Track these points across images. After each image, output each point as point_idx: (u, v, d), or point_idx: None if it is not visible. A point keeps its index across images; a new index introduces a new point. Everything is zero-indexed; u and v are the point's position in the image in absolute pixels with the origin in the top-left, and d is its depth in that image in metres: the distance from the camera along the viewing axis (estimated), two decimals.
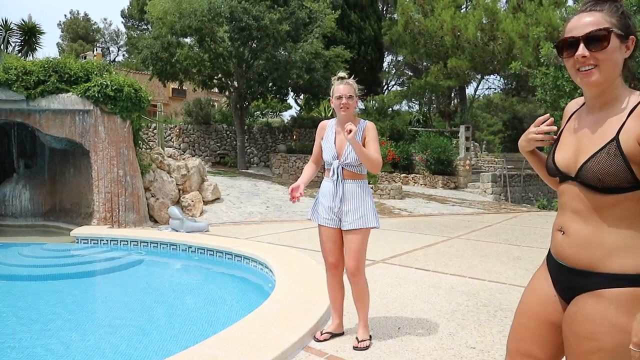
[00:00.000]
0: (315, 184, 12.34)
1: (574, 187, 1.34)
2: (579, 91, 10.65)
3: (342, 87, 2.95)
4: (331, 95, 3.02)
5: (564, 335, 1.37)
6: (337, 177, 2.97)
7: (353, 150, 2.90)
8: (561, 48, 1.35)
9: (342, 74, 3.04)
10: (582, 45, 1.29)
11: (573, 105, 1.49)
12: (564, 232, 1.38)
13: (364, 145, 2.93)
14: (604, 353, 1.23)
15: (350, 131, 2.68)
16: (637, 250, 1.23)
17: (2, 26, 14.70)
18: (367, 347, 2.89)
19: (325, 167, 3.11)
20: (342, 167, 2.97)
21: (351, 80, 3.01)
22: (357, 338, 2.94)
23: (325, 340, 3.02)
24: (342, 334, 3.12)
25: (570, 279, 1.36)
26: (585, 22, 1.30)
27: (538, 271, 1.55)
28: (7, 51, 10.56)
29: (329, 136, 3.10)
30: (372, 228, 2.99)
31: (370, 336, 3.01)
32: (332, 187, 2.98)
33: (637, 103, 1.25)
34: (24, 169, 9.07)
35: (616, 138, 1.24)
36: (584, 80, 1.31)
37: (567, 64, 1.36)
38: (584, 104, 1.44)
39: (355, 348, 2.88)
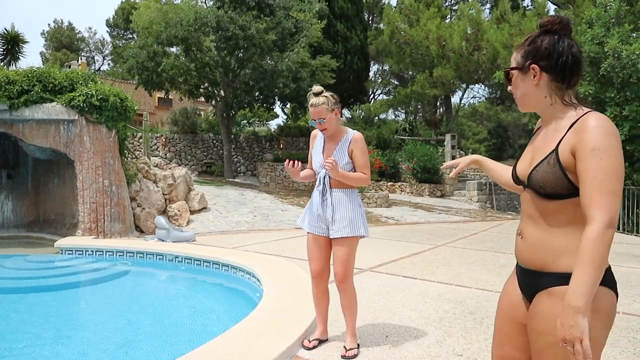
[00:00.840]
0: (307, 194, 12.33)
1: (527, 194, 1.50)
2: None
3: (312, 110, 2.93)
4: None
5: (528, 333, 1.48)
6: (324, 186, 2.99)
7: (340, 162, 2.93)
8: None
9: (316, 88, 2.98)
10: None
11: (540, 122, 1.64)
12: (522, 236, 1.52)
13: (351, 158, 2.96)
14: (556, 347, 1.32)
15: (331, 163, 2.74)
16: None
17: None
18: (355, 356, 2.90)
19: (316, 176, 3.13)
20: (329, 176, 2.99)
21: (320, 99, 2.93)
22: (345, 347, 2.95)
23: (314, 347, 3.03)
24: (326, 340, 3.15)
25: (529, 280, 1.50)
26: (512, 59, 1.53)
27: (510, 276, 1.67)
28: None
29: (317, 146, 3.12)
30: (360, 237, 3.00)
31: (358, 344, 3.02)
32: (319, 196, 3.00)
33: (578, 118, 1.38)
34: (6, 180, 8.93)
35: (556, 150, 1.39)
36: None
37: None
38: None
39: (343, 357, 2.88)
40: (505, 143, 38.99)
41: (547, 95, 1.45)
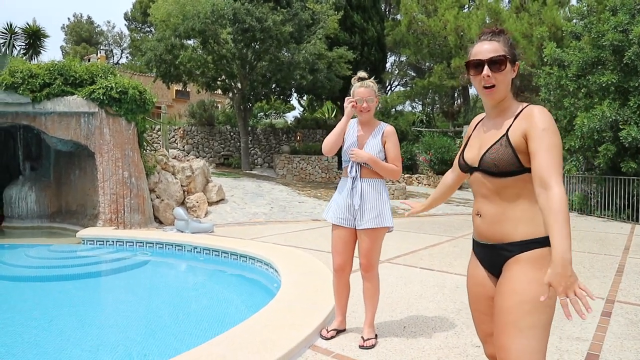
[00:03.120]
0: (324, 186, 12.31)
1: (478, 176, 1.70)
2: (582, 91, 10.63)
3: (363, 90, 2.95)
4: (352, 96, 3.00)
5: (494, 303, 1.64)
6: (356, 173, 2.97)
7: (372, 149, 2.93)
8: (469, 67, 1.71)
9: (362, 73, 3.02)
10: (486, 67, 1.65)
11: (477, 119, 1.87)
12: (480, 215, 1.70)
13: (384, 149, 2.97)
14: (524, 304, 1.53)
15: (355, 154, 2.88)
16: (534, 219, 1.57)
17: (6, 30, 14.79)
18: (373, 346, 2.91)
19: (343, 165, 3.09)
20: (361, 165, 2.98)
21: (371, 82, 3.00)
22: (362, 337, 2.96)
23: (332, 337, 3.04)
24: (344, 330, 3.16)
25: (493, 255, 1.69)
26: (487, 49, 1.66)
27: (470, 261, 1.85)
28: (12, 55, 10.62)
29: (350, 132, 3.09)
30: (388, 228, 2.99)
31: (376, 335, 3.03)
32: (350, 185, 2.97)
33: (522, 109, 1.64)
34: (29, 171, 9.12)
35: (506, 134, 1.62)
36: (488, 95, 1.68)
37: (474, 81, 1.71)
38: (483, 118, 1.82)
39: (361, 347, 2.90)
40: None
41: (509, 90, 1.70)
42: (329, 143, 3.04)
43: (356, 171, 2.96)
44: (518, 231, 1.59)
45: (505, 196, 1.62)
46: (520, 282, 1.54)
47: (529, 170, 1.56)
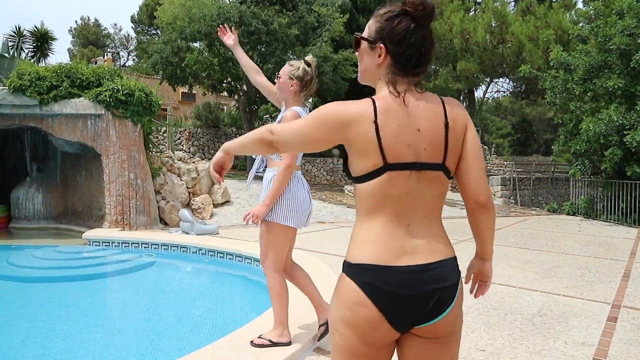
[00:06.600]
0: (329, 188, 12.28)
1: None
2: (589, 94, 10.60)
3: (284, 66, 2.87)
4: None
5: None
6: (262, 163, 2.99)
7: None
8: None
9: (308, 58, 2.89)
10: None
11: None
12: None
13: None
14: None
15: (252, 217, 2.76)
16: (351, 242, 1.33)
17: (15, 33, 14.93)
18: (257, 345, 2.82)
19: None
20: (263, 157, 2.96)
21: (295, 62, 2.85)
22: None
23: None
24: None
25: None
26: None
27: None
28: (20, 57, 10.71)
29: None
30: (279, 224, 2.82)
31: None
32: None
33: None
34: (36, 173, 9.19)
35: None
36: None
37: None
38: None
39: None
40: (529, 138, 38.28)
41: (383, 78, 1.36)
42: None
43: (262, 161, 2.96)
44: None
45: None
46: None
47: None
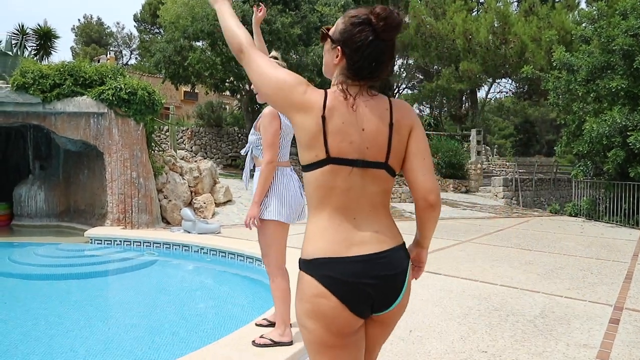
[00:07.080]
0: None
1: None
2: (591, 95, 10.57)
3: None
4: None
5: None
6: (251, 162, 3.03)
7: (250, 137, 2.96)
8: None
9: (273, 53, 2.91)
10: None
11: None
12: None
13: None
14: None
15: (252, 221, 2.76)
16: (304, 238, 1.40)
17: (18, 31, 14.94)
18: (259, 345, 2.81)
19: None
20: (251, 156, 3.02)
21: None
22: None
23: None
24: None
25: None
26: None
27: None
28: (23, 55, 10.73)
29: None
30: (273, 220, 2.81)
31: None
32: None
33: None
34: (39, 171, 9.21)
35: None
36: None
37: None
38: None
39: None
40: (532, 139, 38.18)
41: (337, 77, 1.39)
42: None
43: (251, 160, 3.00)
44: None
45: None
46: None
47: None
